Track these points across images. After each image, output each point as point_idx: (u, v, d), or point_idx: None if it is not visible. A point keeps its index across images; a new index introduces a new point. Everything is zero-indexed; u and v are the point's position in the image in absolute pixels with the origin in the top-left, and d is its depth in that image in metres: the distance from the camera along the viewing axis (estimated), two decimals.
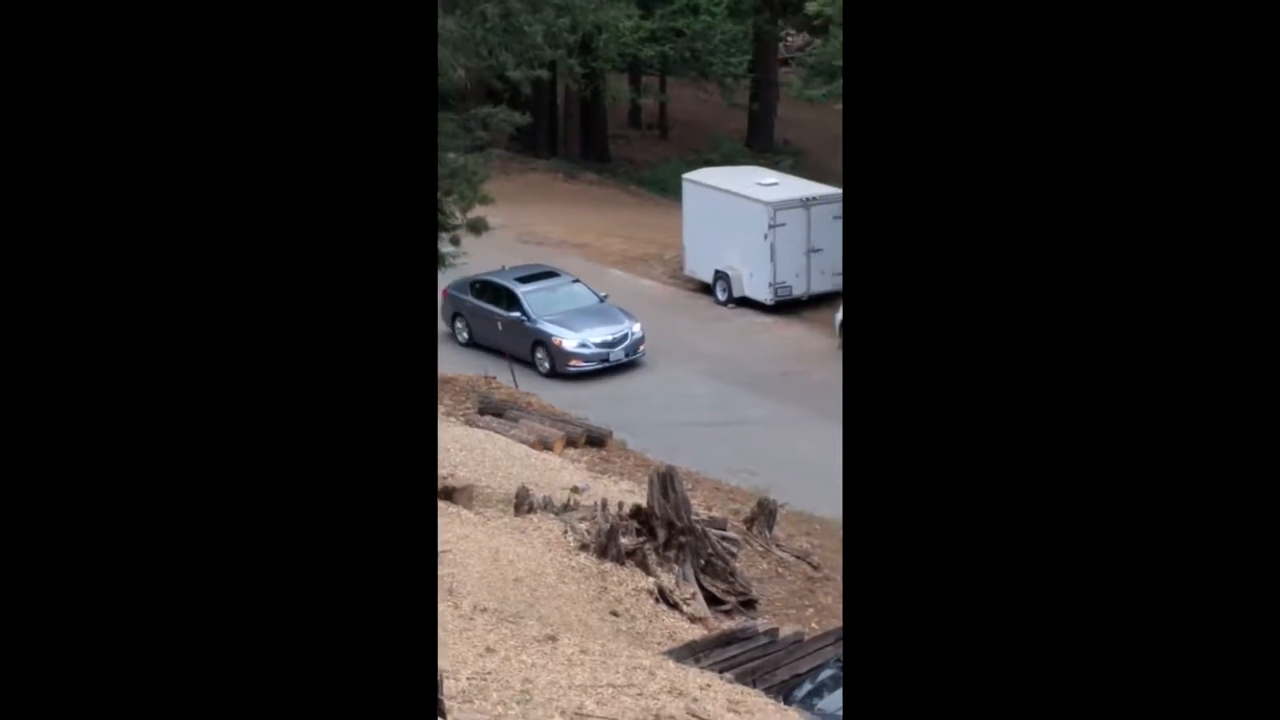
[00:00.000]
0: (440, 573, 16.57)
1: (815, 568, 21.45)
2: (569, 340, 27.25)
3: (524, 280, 28.86)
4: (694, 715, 13.12)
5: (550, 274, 29.55)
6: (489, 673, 13.11)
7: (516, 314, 28.03)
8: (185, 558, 4.91)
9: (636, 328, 28.34)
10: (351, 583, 4.98)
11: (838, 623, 18.73)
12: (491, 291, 28.91)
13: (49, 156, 4.85)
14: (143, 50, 4.94)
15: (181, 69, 4.96)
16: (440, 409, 24.32)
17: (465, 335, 28.78)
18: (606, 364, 27.83)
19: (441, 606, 15.45)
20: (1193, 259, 4.76)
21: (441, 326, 27.50)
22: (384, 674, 5.02)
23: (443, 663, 10.96)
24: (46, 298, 4.82)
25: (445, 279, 27.86)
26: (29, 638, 4.69)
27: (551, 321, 27.72)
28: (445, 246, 26.35)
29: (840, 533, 22.29)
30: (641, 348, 28.40)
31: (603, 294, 29.35)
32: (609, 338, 27.92)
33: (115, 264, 4.92)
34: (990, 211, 4.90)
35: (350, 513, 5.02)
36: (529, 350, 27.73)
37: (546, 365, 27.42)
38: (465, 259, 27.12)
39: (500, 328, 28.25)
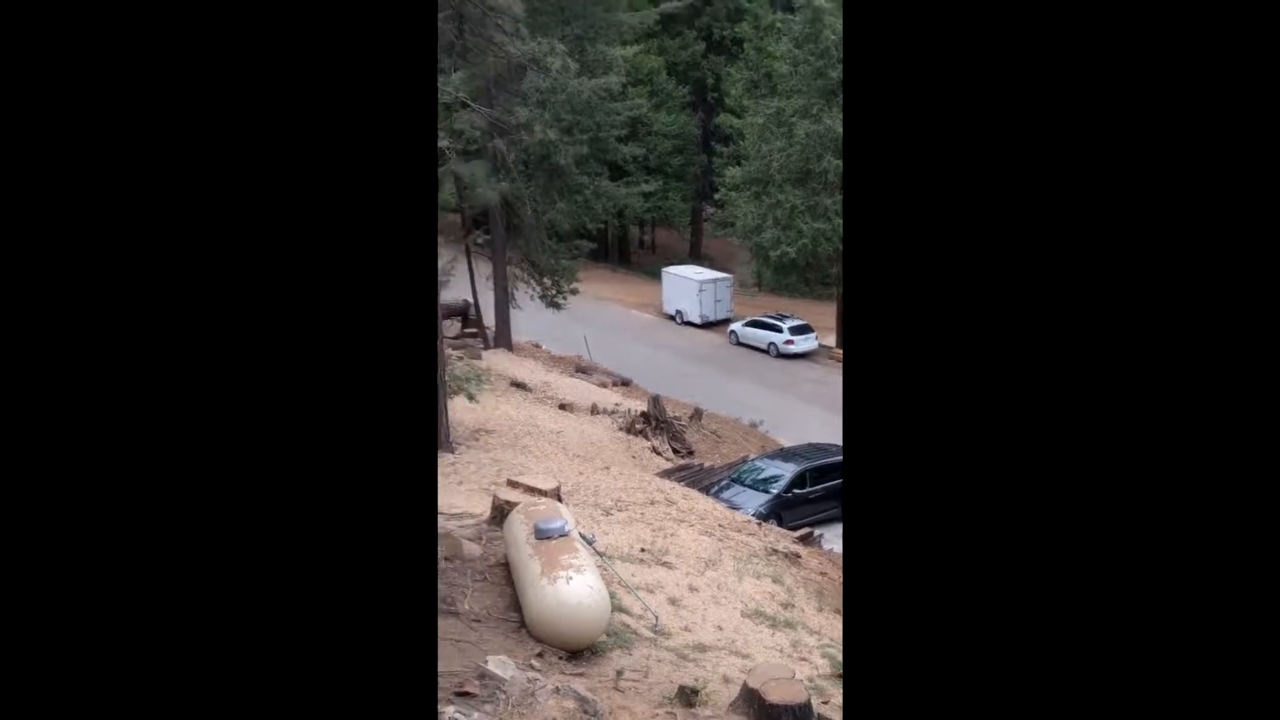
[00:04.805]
0: (559, 439, 16.61)
1: (720, 438, 21.24)
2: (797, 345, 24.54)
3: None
4: (668, 498, 13.17)
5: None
6: (579, 484, 13.06)
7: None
8: (188, 550, 2.58)
9: None
10: (352, 581, 2.65)
11: (730, 460, 18.57)
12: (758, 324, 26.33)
13: (50, 158, 2.52)
14: (142, 61, 2.55)
15: (181, 77, 2.57)
16: (556, 370, 24.04)
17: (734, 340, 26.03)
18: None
19: (559, 455, 15.58)
20: (1191, 261, 2.47)
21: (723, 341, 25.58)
22: (384, 674, 2.64)
23: (560, 480, 10.26)
24: (47, 300, 2.53)
25: (569, 317, 26.64)
26: (29, 639, 2.51)
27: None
28: (560, 300, 26.15)
29: (732, 422, 22.50)
30: None
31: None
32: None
33: (114, 268, 2.56)
34: (985, 215, 2.55)
35: (351, 512, 2.65)
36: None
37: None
38: (568, 304, 26.42)
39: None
